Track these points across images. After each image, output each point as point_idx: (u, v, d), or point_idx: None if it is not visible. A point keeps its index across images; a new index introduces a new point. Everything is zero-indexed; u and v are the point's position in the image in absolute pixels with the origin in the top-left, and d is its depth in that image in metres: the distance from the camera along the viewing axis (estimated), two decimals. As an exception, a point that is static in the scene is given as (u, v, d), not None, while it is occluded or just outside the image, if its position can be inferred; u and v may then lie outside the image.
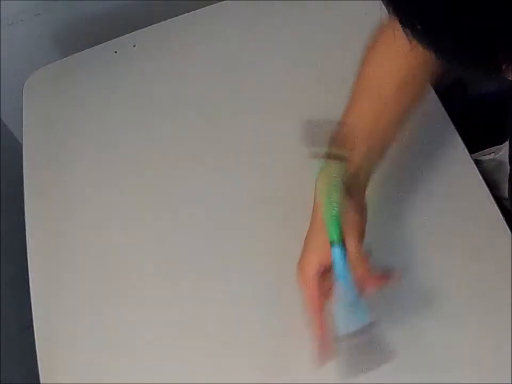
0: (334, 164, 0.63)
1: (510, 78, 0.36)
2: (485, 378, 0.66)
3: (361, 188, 0.66)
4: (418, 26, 0.35)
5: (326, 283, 0.64)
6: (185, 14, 1.03)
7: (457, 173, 0.79)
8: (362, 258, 0.63)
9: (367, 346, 0.64)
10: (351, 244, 0.62)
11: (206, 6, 1.03)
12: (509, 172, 0.76)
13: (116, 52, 1.02)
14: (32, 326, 0.78)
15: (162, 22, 1.03)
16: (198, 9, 1.03)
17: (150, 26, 1.04)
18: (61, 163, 0.93)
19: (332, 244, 0.62)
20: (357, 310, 0.64)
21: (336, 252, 0.62)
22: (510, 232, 0.74)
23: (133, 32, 1.03)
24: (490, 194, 0.77)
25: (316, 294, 0.63)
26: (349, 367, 0.66)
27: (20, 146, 0.96)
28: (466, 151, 0.80)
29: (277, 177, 0.84)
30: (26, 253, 0.84)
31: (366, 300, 0.64)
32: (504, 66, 0.34)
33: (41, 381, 0.74)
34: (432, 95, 0.86)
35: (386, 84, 0.67)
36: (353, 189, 0.65)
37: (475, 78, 0.52)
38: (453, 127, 0.82)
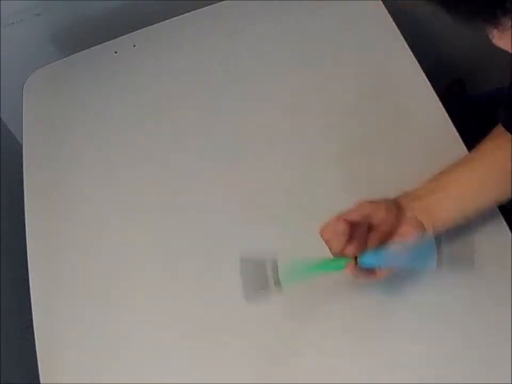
0: None
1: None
2: (485, 378, 0.66)
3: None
4: None
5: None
6: (185, 14, 1.04)
7: (457, 173, 0.79)
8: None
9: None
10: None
11: (206, 6, 1.04)
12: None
13: (115, 52, 1.02)
14: (32, 326, 0.78)
15: (162, 22, 1.04)
16: (198, 9, 1.04)
17: (150, 26, 1.04)
18: (61, 163, 0.93)
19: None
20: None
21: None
22: (510, 232, 0.74)
23: (133, 32, 1.04)
24: (490, 194, 0.77)
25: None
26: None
27: (20, 146, 0.96)
28: (466, 151, 0.80)
29: (278, 176, 0.84)
30: (26, 253, 0.84)
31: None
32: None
33: (41, 381, 0.74)
34: (432, 95, 0.86)
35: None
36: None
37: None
38: (453, 127, 0.82)
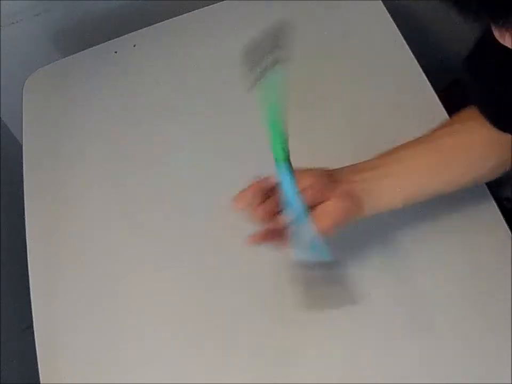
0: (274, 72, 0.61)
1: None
2: (485, 378, 0.66)
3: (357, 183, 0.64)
4: None
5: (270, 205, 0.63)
6: (185, 14, 1.04)
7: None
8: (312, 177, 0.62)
9: (328, 282, 0.61)
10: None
11: (206, 6, 1.04)
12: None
13: (115, 52, 1.02)
14: (32, 326, 0.78)
15: (162, 22, 1.04)
16: (198, 9, 1.04)
17: (150, 26, 1.04)
18: (61, 163, 0.93)
19: (276, 161, 0.60)
20: (315, 248, 0.61)
21: (283, 167, 0.60)
22: (510, 232, 0.74)
23: (133, 32, 1.04)
24: (490, 194, 0.77)
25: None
26: (307, 298, 0.63)
27: (20, 146, 0.96)
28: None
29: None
30: (26, 253, 0.84)
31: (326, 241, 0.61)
32: None
33: (41, 381, 0.74)
34: (432, 95, 0.86)
35: (455, 152, 0.68)
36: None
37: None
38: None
